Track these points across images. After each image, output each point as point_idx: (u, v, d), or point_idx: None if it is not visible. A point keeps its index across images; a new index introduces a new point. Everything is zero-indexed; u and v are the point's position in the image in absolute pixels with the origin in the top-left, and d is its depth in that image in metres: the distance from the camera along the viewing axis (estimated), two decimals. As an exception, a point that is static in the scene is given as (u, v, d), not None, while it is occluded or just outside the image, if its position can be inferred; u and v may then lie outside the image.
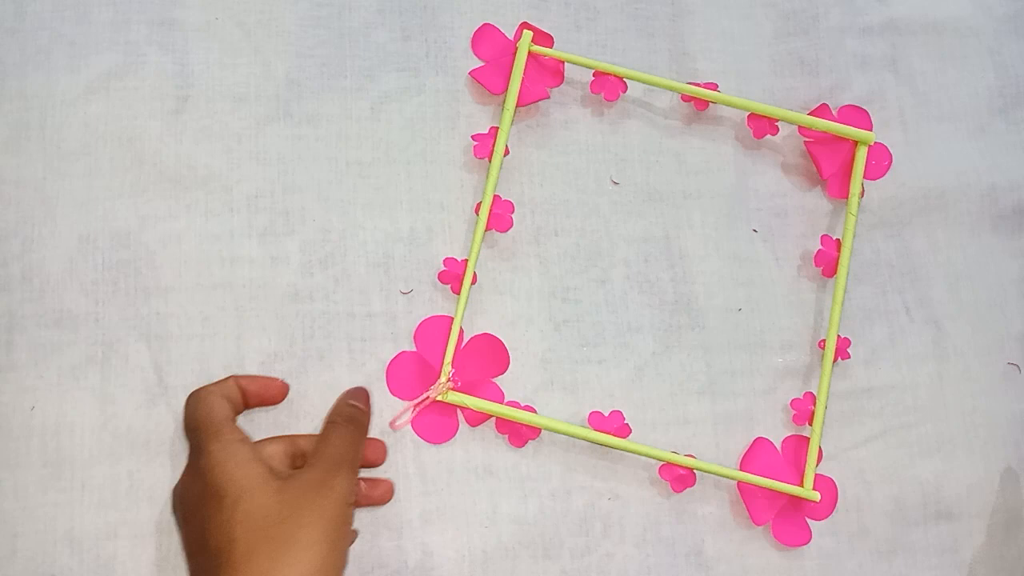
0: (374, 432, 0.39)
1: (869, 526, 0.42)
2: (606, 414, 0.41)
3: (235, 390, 0.37)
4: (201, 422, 0.35)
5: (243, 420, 0.38)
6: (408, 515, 0.39)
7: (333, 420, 0.37)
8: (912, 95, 0.46)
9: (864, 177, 0.44)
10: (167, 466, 0.38)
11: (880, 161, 0.45)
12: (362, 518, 0.39)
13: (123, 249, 0.39)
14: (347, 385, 0.40)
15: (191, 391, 0.37)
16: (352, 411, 0.37)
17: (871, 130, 0.45)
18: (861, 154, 0.44)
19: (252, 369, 0.39)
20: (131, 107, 0.40)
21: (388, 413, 0.40)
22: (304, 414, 0.39)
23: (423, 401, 0.39)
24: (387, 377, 0.40)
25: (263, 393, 0.38)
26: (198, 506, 0.34)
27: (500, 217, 0.42)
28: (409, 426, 0.40)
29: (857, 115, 0.45)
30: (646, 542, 0.40)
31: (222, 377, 0.38)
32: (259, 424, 0.39)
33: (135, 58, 0.41)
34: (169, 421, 0.38)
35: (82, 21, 0.41)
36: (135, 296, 0.39)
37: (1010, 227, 0.45)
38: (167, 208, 0.40)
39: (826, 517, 0.42)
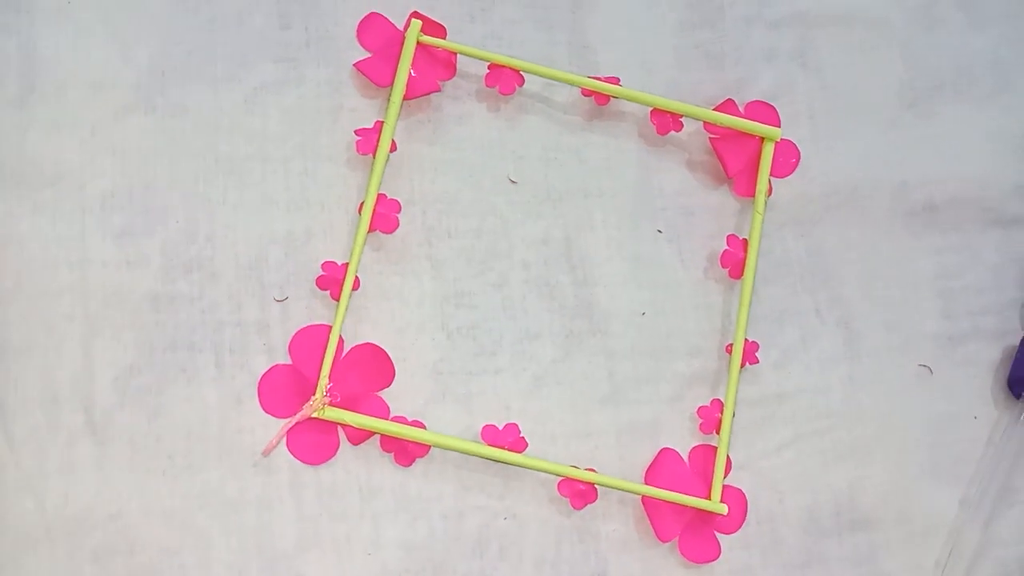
0: (244, 454, 0.36)
1: (782, 538, 0.41)
2: (500, 427, 0.39)
3: None
4: None
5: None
6: (282, 544, 0.36)
7: None
8: (821, 89, 0.45)
9: (771, 174, 0.43)
10: (1, 496, 0.34)
11: (788, 158, 0.44)
12: (232, 547, 0.36)
13: (-43, 254, 0.36)
14: (214, 402, 0.37)
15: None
16: None
17: (779, 126, 0.44)
18: (767, 151, 0.43)
19: (104, 383, 0.36)
20: (-34, 96, 0.37)
21: (260, 432, 0.37)
22: (163, 434, 0.36)
23: (296, 420, 0.36)
24: (259, 393, 0.37)
25: None
26: None
27: (385, 217, 0.39)
28: (284, 446, 0.37)
29: (764, 111, 0.44)
30: (546, 563, 0.38)
31: (68, 392, 0.34)
32: (116, 458, 0.35)
33: (-29, 42, 0.37)
34: (3, 445, 0.35)
35: (-92, 1, 0.38)
36: (-33, 305, 0.35)
37: (922, 223, 0.44)
38: (7, 208, 0.36)
39: (736, 530, 0.40)
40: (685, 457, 0.40)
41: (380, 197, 0.39)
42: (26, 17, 0.38)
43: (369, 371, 0.38)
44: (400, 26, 0.41)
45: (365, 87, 0.41)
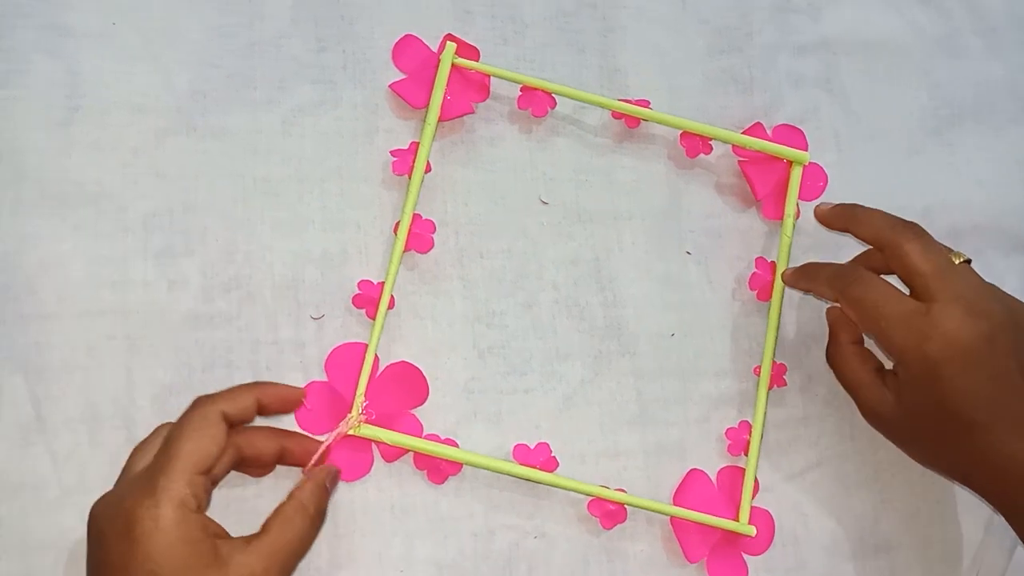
0: (281, 471, 0.37)
1: (806, 560, 0.41)
2: (532, 446, 0.39)
3: (246, 409, 0.34)
4: (173, 459, 0.31)
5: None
6: (316, 561, 0.36)
7: (304, 504, 0.33)
8: (846, 115, 0.45)
9: (799, 198, 0.43)
10: (44, 513, 0.34)
11: (815, 182, 0.44)
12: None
13: None
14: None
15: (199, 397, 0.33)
16: (324, 502, 0.34)
17: (806, 150, 0.44)
18: (796, 174, 0.43)
19: (144, 402, 0.36)
20: (12, 118, 0.37)
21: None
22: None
23: (333, 437, 0.37)
24: (295, 410, 0.37)
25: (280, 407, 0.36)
26: (121, 557, 0.30)
27: (420, 237, 0.39)
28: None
29: (792, 134, 0.44)
30: (574, 583, 0.38)
31: (109, 410, 0.34)
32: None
33: (18, 65, 0.37)
34: (47, 462, 0.35)
35: (-43, 25, 0.38)
36: (11, 324, 0.36)
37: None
38: (51, 228, 0.37)
39: (763, 552, 0.40)
40: (713, 478, 0.41)
41: (415, 217, 0.40)
42: (71, 41, 0.38)
43: (403, 389, 0.38)
44: (434, 48, 0.42)
45: (400, 108, 0.41)
